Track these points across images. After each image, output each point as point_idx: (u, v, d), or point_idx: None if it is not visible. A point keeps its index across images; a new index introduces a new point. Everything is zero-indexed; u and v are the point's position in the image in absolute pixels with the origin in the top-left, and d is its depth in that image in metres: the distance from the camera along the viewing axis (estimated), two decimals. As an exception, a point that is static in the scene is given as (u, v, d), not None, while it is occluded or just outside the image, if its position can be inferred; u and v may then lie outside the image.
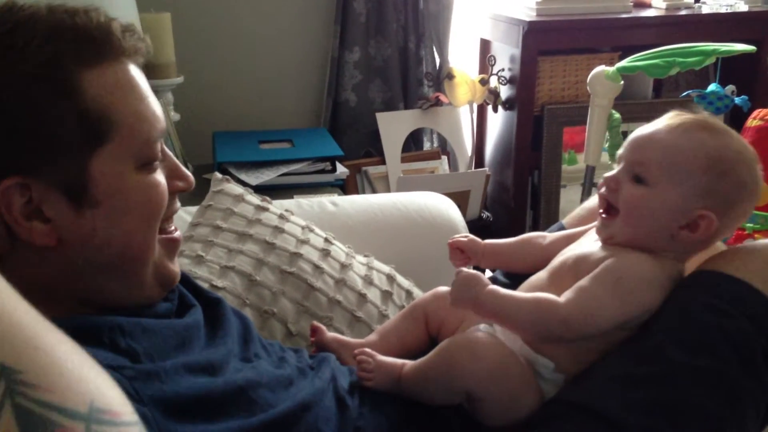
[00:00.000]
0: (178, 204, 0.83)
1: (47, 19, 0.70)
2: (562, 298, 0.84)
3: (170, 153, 0.81)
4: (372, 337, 1.03)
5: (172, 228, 0.82)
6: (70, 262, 0.72)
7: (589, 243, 0.93)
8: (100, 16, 0.73)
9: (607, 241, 0.90)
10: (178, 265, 0.84)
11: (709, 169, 0.85)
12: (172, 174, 0.80)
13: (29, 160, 0.68)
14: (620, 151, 0.92)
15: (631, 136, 0.92)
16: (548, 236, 1.06)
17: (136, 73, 0.76)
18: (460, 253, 1.03)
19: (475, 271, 0.88)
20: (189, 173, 0.82)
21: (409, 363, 0.91)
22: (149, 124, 0.75)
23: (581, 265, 0.88)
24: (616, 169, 0.91)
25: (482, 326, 0.93)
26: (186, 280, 0.94)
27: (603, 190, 0.91)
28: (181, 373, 0.72)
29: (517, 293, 0.87)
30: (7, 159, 0.68)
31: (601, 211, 0.91)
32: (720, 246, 0.97)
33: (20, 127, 0.68)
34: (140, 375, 0.68)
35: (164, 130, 0.78)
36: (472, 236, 1.05)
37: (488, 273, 1.17)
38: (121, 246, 0.74)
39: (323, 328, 1.04)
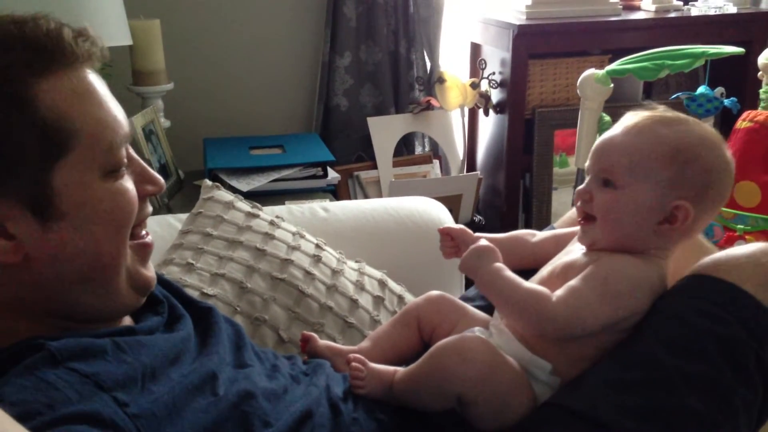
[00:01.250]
0: (150, 208, 0.82)
1: None
2: (554, 296, 0.85)
3: (137, 157, 0.79)
4: (364, 343, 1.03)
5: (144, 233, 0.80)
6: (40, 277, 0.71)
7: (577, 250, 0.94)
8: (49, 23, 0.71)
9: (591, 248, 0.91)
10: (153, 270, 0.82)
11: (672, 159, 0.86)
12: (141, 178, 0.78)
13: None
14: (587, 164, 0.93)
15: (593, 147, 0.93)
16: (537, 234, 1.07)
17: (93, 78, 0.73)
18: (450, 240, 1.02)
19: (492, 246, 0.89)
20: (158, 176, 0.80)
21: (400, 370, 0.90)
22: (111, 129, 0.72)
23: (569, 272, 0.89)
24: (586, 180, 0.93)
25: (477, 329, 0.93)
26: (175, 290, 0.93)
27: (579, 203, 0.92)
28: (183, 399, 0.72)
29: (521, 280, 0.87)
30: None
31: (579, 219, 0.92)
32: (711, 249, 0.97)
33: None
34: (142, 414, 0.67)
35: (128, 134, 0.75)
36: (463, 227, 1.05)
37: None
38: (91, 256, 0.72)
39: (315, 336, 1.03)
